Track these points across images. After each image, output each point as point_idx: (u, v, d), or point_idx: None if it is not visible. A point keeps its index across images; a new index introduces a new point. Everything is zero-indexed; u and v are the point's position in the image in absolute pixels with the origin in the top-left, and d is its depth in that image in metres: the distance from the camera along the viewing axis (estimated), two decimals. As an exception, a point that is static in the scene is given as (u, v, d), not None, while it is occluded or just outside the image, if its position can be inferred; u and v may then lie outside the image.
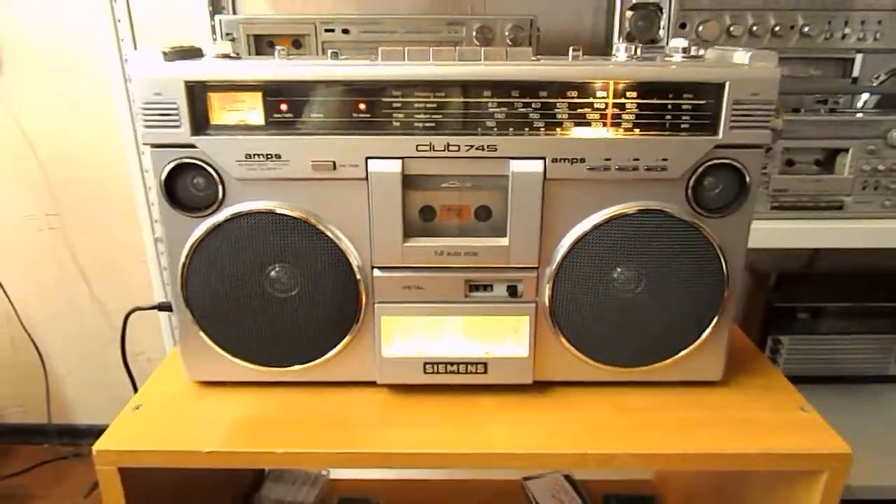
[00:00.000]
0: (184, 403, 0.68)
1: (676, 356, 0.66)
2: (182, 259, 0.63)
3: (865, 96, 1.09)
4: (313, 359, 0.67)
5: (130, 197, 1.20)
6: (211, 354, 0.67)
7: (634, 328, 0.65)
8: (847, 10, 1.04)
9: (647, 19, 1.04)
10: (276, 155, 0.60)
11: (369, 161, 0.60)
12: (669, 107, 0.58)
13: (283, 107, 0.59)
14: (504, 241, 0.63)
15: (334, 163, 0.60)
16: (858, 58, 1.07)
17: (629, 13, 1.03)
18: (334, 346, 0.66)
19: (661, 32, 1.04)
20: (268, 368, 0.67)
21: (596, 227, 0.62)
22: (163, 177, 0.61)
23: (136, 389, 0.71)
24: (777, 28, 1.05)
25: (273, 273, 0.63)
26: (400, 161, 0.60)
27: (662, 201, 0.61)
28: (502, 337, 0.66)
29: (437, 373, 0.67)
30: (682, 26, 1.05)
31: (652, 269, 0.63)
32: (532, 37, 1.04)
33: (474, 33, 1.04)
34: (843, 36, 1.06)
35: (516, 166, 0.60)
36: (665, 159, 0.60)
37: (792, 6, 1.05)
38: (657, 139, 0.59)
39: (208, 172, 0.61)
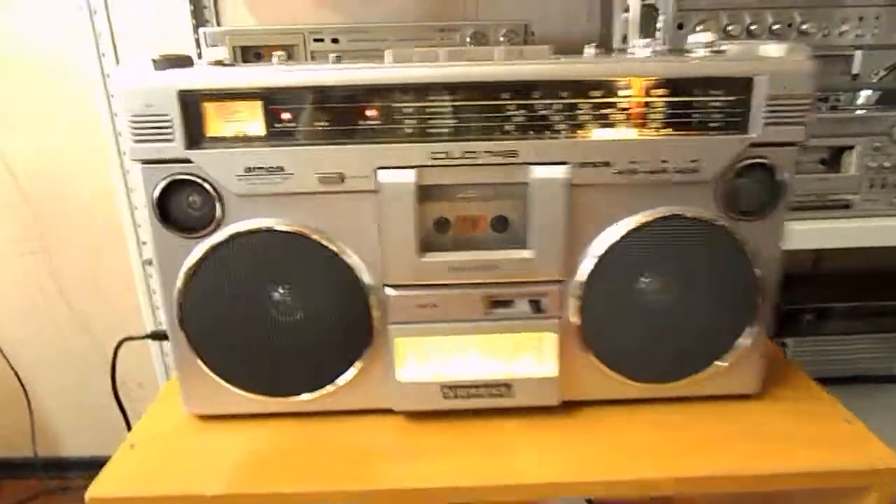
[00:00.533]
0: (183, 440, 0.63)
1: (711, 369, 0.62)
2: (178, 284, 0.58)
3: (867, 93, 1.07)
4: (323, 386, 0.62)
5: (116, 218, 1.15)
6: (211, 385, 0.62)
7: (667, 341, 0.61)
8: (844, 6, 1.03)
9: (643, 20, 1.01)
10: (278, 168, 0.56)
11: (380, 172, 0.56)
12: (699, 104, 0.55)
13: (285, 115, 0.55)
14: (526, 254, 0.59)
15: (342, 175, 0.56)
16: (858, 54, 1.06)
17: (624, 14, 1.01)
18: (346, 372, 0.62)
19: (658, 34, 1.02)
20: (274, 398, 0.63)
21: (624, 236, 0.58)
22: (155, 195, 0.56)
23: (127, 423, 0.66)
24: (775, 27, 1.03)
25: (277, 295, 0.59)
26: (413, 171, 0.56)
27: (694, 206, 0.58)
28: (526, 356, 0.62)
29: (458, 397, 0.62)
30: (680, 27, 1.03)
31: (684, 278, 0.59)
32: (526, 42, 1.03)
33: (468, 39, 1.02)
34: (841, 33, 1.05)
35: (538, 172, 0.56)
36: (696, 160, 0.56)
37: (789, 4, 1.03)
38: (687, 139, 0.56)
39: (205, 189, 0.56)
